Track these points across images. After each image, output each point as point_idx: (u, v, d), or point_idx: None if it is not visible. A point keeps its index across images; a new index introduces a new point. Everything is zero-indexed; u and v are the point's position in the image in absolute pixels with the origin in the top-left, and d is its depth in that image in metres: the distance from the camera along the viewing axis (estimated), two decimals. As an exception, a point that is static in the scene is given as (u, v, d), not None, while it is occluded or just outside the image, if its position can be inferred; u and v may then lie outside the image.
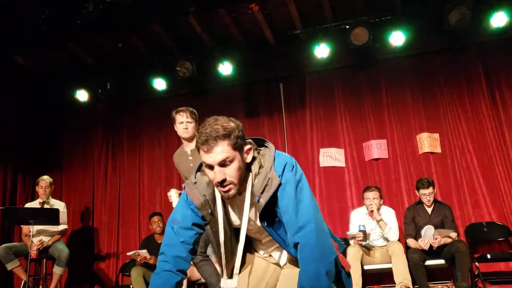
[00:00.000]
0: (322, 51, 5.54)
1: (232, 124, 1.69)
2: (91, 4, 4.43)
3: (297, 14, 5.40)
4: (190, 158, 3.83)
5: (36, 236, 5.11)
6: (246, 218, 1.77)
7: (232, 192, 1.70)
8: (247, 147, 1.72)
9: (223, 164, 1.65)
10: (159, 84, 6.13)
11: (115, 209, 6.33)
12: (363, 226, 4.55)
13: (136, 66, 6.23)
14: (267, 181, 1.69)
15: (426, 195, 4.64)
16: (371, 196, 4.70)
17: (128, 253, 5.21)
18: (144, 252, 5.11)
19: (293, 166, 1.76)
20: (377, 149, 5.56)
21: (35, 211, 4.96)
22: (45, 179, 5.44)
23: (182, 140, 3.89)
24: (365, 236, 4.52)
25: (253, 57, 6.06)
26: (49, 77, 6.42)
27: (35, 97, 6.56)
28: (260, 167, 1.74)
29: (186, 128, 3.76)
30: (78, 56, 5.99)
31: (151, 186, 6.36)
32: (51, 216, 4.93)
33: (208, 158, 1.66)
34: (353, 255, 4.41)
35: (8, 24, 4.93)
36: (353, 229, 4.75)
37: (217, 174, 1.66)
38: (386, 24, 5.46)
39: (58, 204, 5.44)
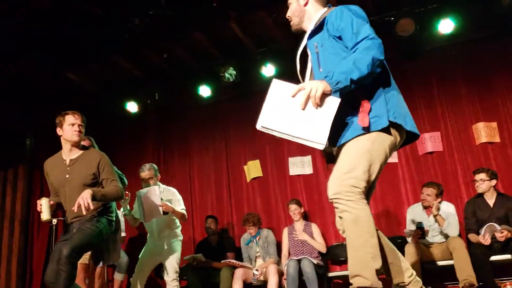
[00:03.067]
0: (367, 45, 5.42)
1: None
2: (136, 18, 4.57)
3: (338, 10, 5.31)
4: (68, 168, 3.32)
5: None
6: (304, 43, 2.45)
7: (291, 22, 2.57)
8: None
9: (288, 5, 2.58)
10: (204, 91, 6.24)
11: (169, 215, 6.45)
12: (421, 222, 4.41)
13: (182, 74, 6.36)
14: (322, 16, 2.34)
15: (477, 181, 4.47)
16: (425, 192, 4.61)
17: (184, 258, 5.31)
18: (200, 256, 5.20)
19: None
20: (430, 142, 5.37)
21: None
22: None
23: (63, 145, 3.37)
24: (424, 232, 4.38)
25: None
26: (100, 91, 6.66)
27: (87, 111, 6.79)
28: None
29: (79, 131, 3.31)
30: (126, 69, 6.20)
31: (202, 190, 6.46)
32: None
33: None
34: (412, 253, 4.28)
35: (60, 41, 5.16)
36: (410, 226, 4.62)
37: None
38: (432, 12, 5.26)
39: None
